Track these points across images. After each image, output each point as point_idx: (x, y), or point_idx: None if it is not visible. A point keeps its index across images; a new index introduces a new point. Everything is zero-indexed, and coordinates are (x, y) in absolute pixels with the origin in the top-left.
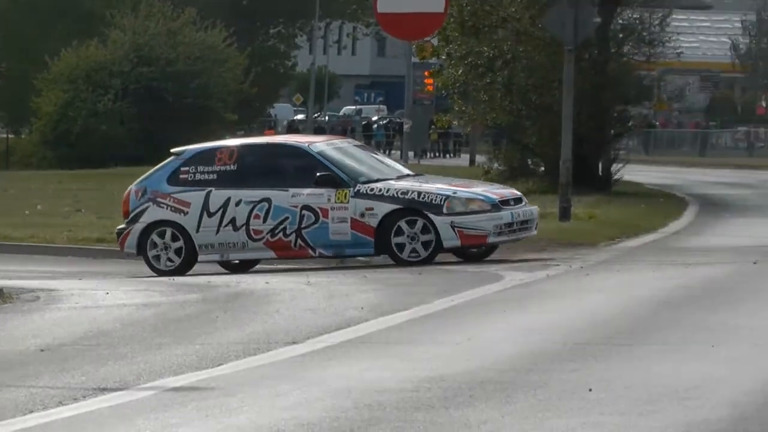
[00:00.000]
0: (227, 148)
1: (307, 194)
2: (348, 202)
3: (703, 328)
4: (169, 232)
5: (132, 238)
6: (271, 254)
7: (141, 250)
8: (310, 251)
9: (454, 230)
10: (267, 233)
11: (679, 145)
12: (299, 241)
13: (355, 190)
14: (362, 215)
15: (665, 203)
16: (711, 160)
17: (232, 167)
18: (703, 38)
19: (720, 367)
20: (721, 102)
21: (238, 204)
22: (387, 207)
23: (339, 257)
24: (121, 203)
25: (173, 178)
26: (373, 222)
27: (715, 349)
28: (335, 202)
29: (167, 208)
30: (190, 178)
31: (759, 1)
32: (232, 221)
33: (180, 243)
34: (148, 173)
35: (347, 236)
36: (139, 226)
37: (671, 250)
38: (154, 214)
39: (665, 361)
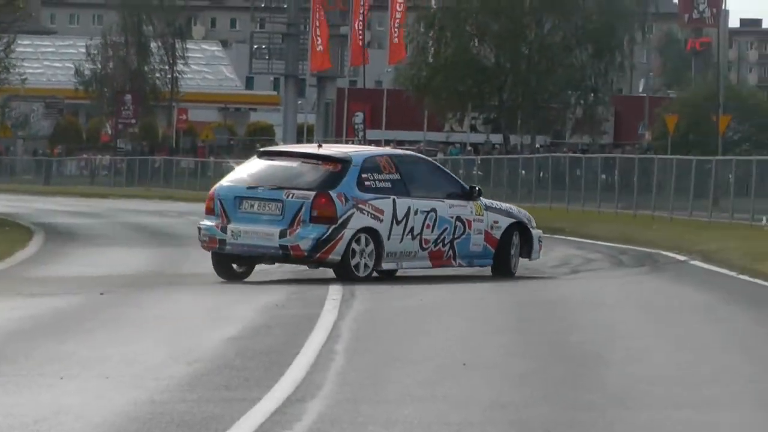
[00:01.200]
0: (382, 156)
1: (458, 205)
2: (483, 215)
3: (53, 359)
4: (363, 238)
5: (342, 244)
6: (428, 264)
7: (344, 257)
8: (453, 262)
9: (539, 243)
10: (431, 243)
11: (23, 173)
12: (450, 251)
13: (484, 203)
14: (491, 228)
15: (11, 232)
16: (56, 189)
17: (396, 176)
18: (48, 63)
19: (71, 398)
20: (66, 128)
21: (416, 213)
22: (507, 221)
23: (470, 267)
24: (315, 207)
25: (360, 185)
26: (498, 234)
27: (64, 381)
28: (475, 215)
29: (368, 215)
30: (372, 186)
31: (105, 26)
32: (411, 230)
33: (371, 249)
34: (323, 178)
35: (480, 248)
36: (348, 233)
37: (18, 280)
38: (360, 220)
39: (18, 392)
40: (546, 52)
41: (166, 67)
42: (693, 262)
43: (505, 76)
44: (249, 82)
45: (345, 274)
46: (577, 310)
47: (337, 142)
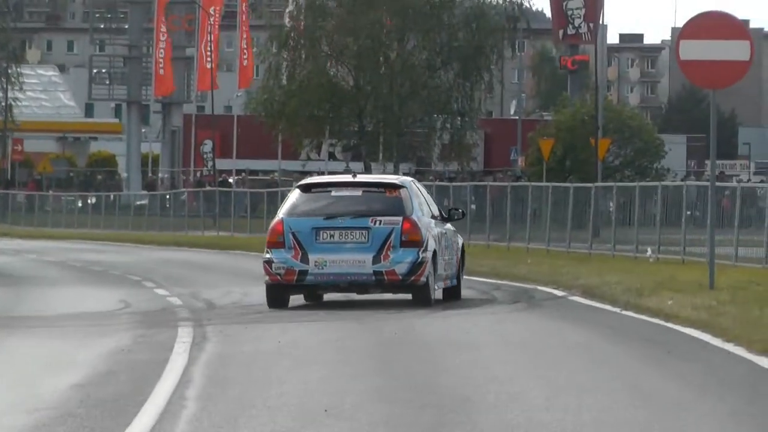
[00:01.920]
0: (412, 180)
1: (446, 228)
2: (455, 237)
3: None
4: (432, 261)
5: (428, 268)
6: (442, 285)
7: (428, 280)
8: (449, 282)
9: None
10: (445, 264)
11: None
12: (449, 272)
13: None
14: (457, 249)
15: None
16: None
17: (421, 200)
18: None
19: None
20: None
21: (441, 236)
22: (460, 242)
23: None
24: (405, 232)
25: None
26: (458, 255)
27: None
28: (452, 236)
29: (433, 239)
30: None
31: None
32: (443, 252)
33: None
34: (394, 204)
35: (454, 269)
36: (429, 255)
37: None
38: (431, 243)
39: None
40: (409, 72)
41: (0, 94)
42: (572, 298)
43: (365, 99)
44: (89, 109)
45: (425, 299)
46: (446, 351)
47: (184, 172)
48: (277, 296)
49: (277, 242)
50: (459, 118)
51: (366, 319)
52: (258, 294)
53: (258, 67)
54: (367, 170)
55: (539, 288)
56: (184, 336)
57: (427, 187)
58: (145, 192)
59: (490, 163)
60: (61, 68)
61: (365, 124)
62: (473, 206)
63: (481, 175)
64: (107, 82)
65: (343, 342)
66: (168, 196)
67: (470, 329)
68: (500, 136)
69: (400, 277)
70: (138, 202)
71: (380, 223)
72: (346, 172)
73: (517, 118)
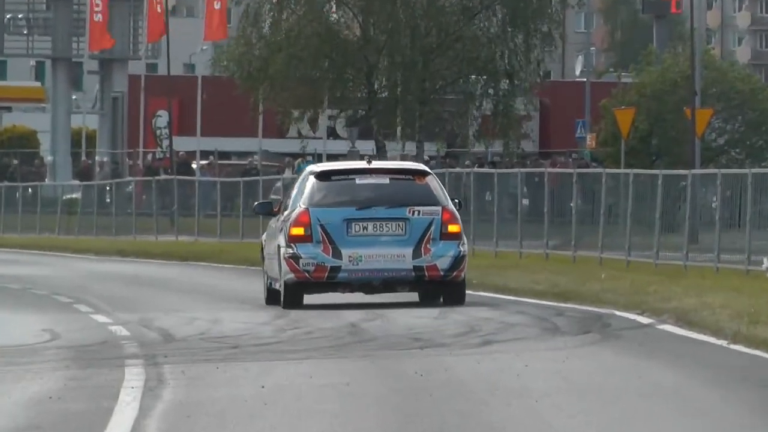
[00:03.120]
0: None
1: None
2: None
3: None
4: None
5: (466, 262)
6: None
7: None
8: None
9: None
10: None
11: None
12: None
13: None
14: None
15: None
16: None
17: None
18: None
19: None
20: None
21: None
22: None
23: None
24: (445, 223)
25: None
26: None
27: None
28: None
29: (463, 231)
30: None
31: None
32: None
33: None
34: (426, 192)
35: None
36: (466, 249)
37: None
38: (464, 236)
39: None
40: (437, 18)
41: None
42: (661, 327)
43: (377, 54)
44: None
45: (460, 297)
46: (490, 399)
47: (130, 155)
48: (298, 295)
49: (303, 235)
50: (505, 81)
51: (378, 353)
52: (233, 321)
53: (231, 11)
54: (380, 151)
55: (616, 313)
56: (132, 379)
57: (460, 175)
58: (77, 182)
59: (549, 142)
60: None
61: (377, 88)
62: (525, 201)
63: (535, 159)
64: (25, 32)
65: (348, 386)
66: (108, 188)
67: (522, 370)
68: (562, 106)
69: (442, 273)
70: (67, 196)
71: (419, 214)
72: (360, 156)
73: (584, 80)
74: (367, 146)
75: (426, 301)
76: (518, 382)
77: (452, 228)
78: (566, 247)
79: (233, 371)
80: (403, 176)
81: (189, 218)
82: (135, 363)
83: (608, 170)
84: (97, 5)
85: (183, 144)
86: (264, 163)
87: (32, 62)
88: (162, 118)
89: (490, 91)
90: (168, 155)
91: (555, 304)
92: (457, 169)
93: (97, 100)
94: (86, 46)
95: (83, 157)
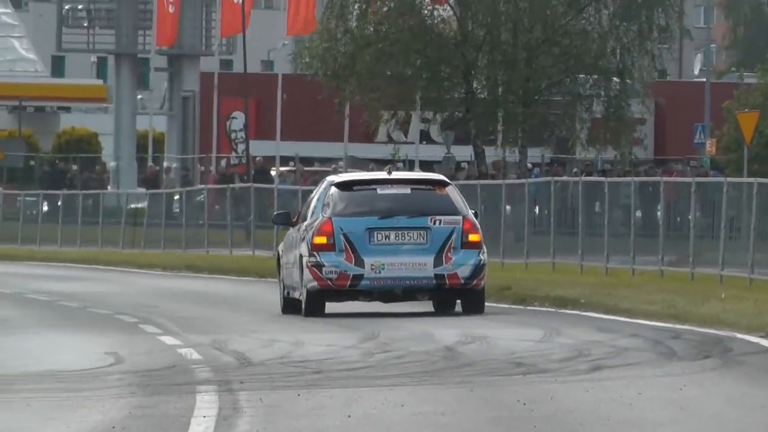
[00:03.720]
0: None
1: None
2: None
3: None
4: None
5: (486, 270)
6: None
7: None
8: None
9: None
10: None
11: None
12: None
13: None
14: None
15: None
16: None
17: None
18: None
19: None
20: None
21: None
22: None
23: None
24: (466, 232)
25: None
26: None
27: None
28: None
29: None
30: None
31: None
32: None
33: None
34: (447, 202)
35: None
36: (485, 257)
37: None
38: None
39: None
40: (541, 12)
41: None
42: None
43: (476, 51)
44: (58, 65)
45: (480, 305)
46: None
47: (202, 161)
48: (320, 303)
49: (325, 244)
50: (617, 80)
51: (476, 380)
52: (316, 343)
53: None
54: (479, 157)
55: (738, 336)
56: (204, 407)
57: (566, 185)
58: (142, 190)
59: (664, 147)
60: (16, 3)
61: (475, 88)
62: (639, 213)
63: (649, 167)
64: (85, 25)
65: (443, 416)
66: (177, 197)
67: (635, 398)
68: (679, 108)
69: (462, 281)
70: (132, 206)
71: (440, 223)
72: (456, 162)
73: (703, 80)
74: (464, 152)
75: (442, 311)
76: (631, 413)
77: (473, 237)
78: (683, 263)
79: (316, 399)
80: (424, 186)
81: (266, 230)
82: (207, 390)
83: (730, 179)
84: None
85: (260, 149)
86: (350, 170)
87: (93, 58)
88: (237, 120)
89: (601, 91)
90: (244, 161)
91: (671, 326)
92: (564, 178)
93: (166, 100)
94: (153, 40)
95: (150, 163)
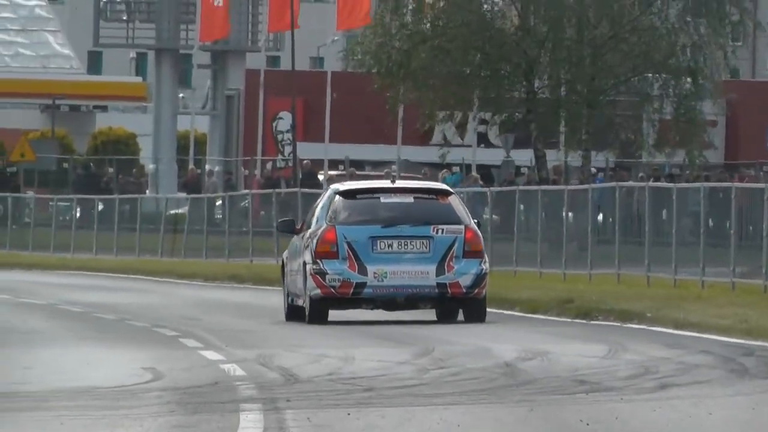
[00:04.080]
0: None
1: None
2: None
3: None
4: None
5: (487, 279)
6: None
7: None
8: None
9: None
10: None
11: None
12: None
13: None
14: None
15: None
16: None
17: None
18: None
19: None
20: None
21: None
22: None
23: None
24: (468, 241)
25: None
26: None
27: None
28: None
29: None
30: None
31: None
32: None
33: None
34: (449, 211)
35: None
36: (487, 267)
37: None
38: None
39: None
40: (607, 7)
41: None
42: None
43: (538, 48)
44: (94, 62)
45: (481, 314)
46: None
47: (247, 164)
48: (323, 311)
49: (329, 252)
50: (687, 80)
51: (537, 398)
52: (367, 359)
53: None
54: (540, 161)
55: None
56: (249, 426)
57: (632, 190)
58: (183, 195)
59: (736, 151)
60: None
61: (537, 87)
62: (711, 222)
63: (720, 172)
64: (124, 18)
65: None
66: (220, 202)
67: (705, 419)
68: (751, 109)
69: (464, 290)
70: (172, 211)
71: (442, 232)
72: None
73: None
74: (524, 156)
75: (444, 319)
76: None
77: (475, 246)
78: (756, 275)
79: (367, 418)
80: (427, 195)
81: None
82: (252, 408)
83: None
84: None
85: (308, 151)
86: (403, 174)
87: (132, 54)
88: (284, 121)
89: (670, 91)
90: (291, 164)
91: (743, 341)
92: (630, 183)
93: (209, 99)
94: (196, 35)
95: (191, 166)
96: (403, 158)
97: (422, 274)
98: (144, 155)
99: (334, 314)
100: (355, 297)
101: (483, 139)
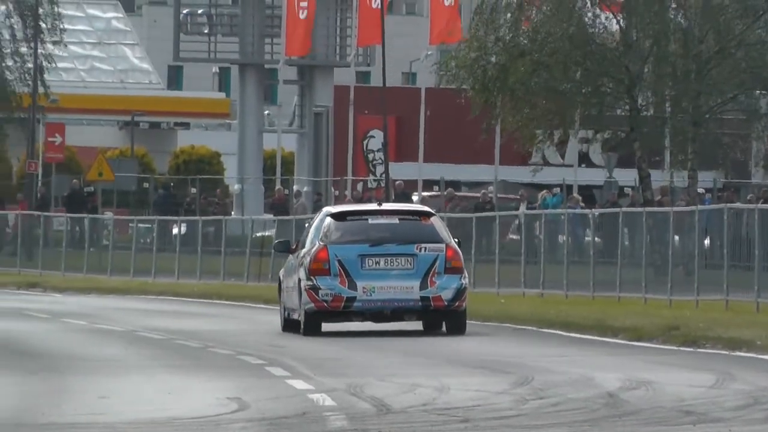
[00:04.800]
0: None
1: None
2: None
3: None
4: None
5: (467, 293)
6: None
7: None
8: None
9: None
10: None
11: None
12: None
13: None
14: None
15: None
16: None
17: None
18: None
19: None
20: None
21: None
22: None
23: None
24: (449, 258)
25: None
26: None
27: None
28: None
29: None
30: None
31: None
32: None
33: None
34: (432, 231)
35: None
36: (466, 282)
37: None
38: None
39: None
40: (714, 20)
41: (23, 49)
42: None
43: (641, 62)
44: (175, 77)
45: (461, 326)
46: None
47: (337, 184)
48: (317, 323)
49: (321, 269)
50: None
51: (642, 430)
52: (462, 389)
53: (461, 7)
54: (644, 181)
55: None
56: None
57: (741, 212)
58: (270, 216)
59: None
60: (128, 6)
61: (641, 104)
62: None
63: None
64: (206, 31)
65: None
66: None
67: None
68: None
69: (446, 303)
70: (259, 234)
71: (425, 250)
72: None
73: None
74: (628, 176)
75: (429, 330)
76: None
77: (455, 263)
78: None
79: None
80: (411, 217)
81: None
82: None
83: None
84: (301, 1)
85: (401, 171)
86: (501, 195)
87: (215, 69)
88: (375, 139)
89: None
90: (383, 184)
91: None
92: (738, 205)
93: (296, 116)
94: (282, 49)
95: (278, 186)
96: (501, 179)
97: (407, 289)
98: (228, 175)
99: (327, 327)
100: (345, 310)
101: (584, 159)
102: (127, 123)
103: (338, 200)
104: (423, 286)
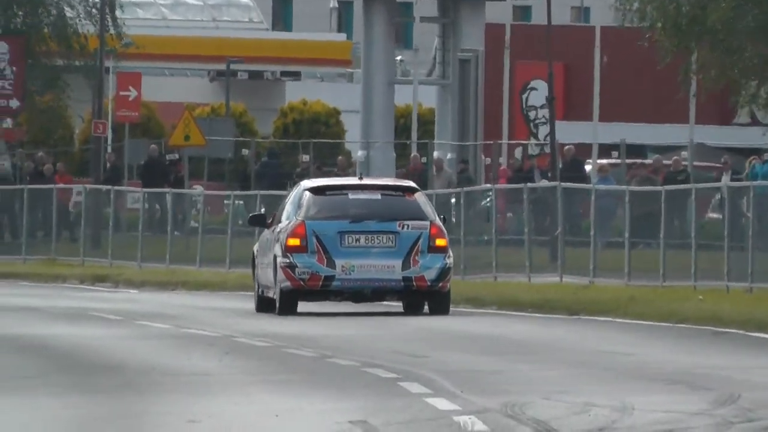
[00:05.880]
0: None
1: None
2: None
3: None
4: None
5: (451, 273)
6: None
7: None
8: None
9: None
10: None
11: None
12: None
13: None
14: None
15: None
16: None
17: None
18: None
19: None
20: None
21: None
22: None
23: None
24: (432, 237)
25: None
26: None
27: None
28: None
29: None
30: None
31: None
32: None
33: None
34: (416, 208)
35: None
36: (451, 261)
37: None
38: (450, 249)
39: None
40: None
41: None
42: None
43: None
44: (282, 14)
45: (445, 307)
46: None
47: (489, 149)
48: (293, 303)
49: (298, 246)
50: None
51: None
52: (649, 409)
53: None
54: None
55: None
56: None
57: None
58: None
59: None
60: None
61: None
62: None
63: None
64: None
65: None
66: (453, 200)
67: None
68: None
69: (429, 284)
70: None
71: (408, 228)
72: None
73: None
74: None
75: (410, 311)
76: None
77: (439, 242)
78: None
79: None
80: (394, 192)
81: (581, 248)
82: None
83: None
84: None
85: (571, 133)
86: (697, 163)
87: (332, 3)
88: (538, 93)
89: None
90: (548, 150)
91: None
92: None
93: (436, 64)
94: None
95: (413, 153)
96: (698, 142)
97: (388, 268)
98: (350, 138)
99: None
100: (323, 289)
101: None
102: (221, 73)
103: (491, 170)
104: (405, 265)
